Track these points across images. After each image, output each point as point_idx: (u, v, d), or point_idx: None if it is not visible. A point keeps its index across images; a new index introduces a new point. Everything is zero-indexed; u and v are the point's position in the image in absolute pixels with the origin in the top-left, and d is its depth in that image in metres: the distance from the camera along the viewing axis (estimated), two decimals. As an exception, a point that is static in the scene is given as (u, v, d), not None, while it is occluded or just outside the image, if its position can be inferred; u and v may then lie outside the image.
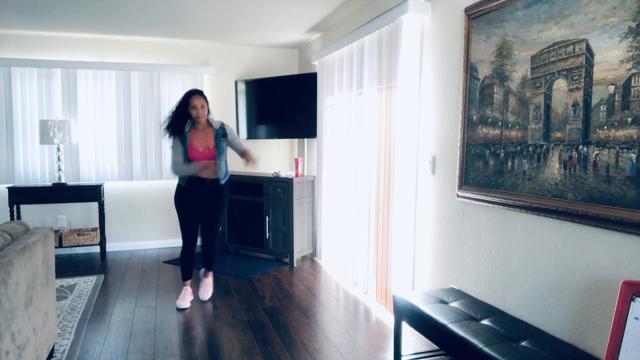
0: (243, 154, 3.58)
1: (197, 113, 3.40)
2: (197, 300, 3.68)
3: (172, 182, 5.44)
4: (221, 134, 3.51)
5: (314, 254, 5.00)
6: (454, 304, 2.42)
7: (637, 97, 1.67)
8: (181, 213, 3.56)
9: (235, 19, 4.34)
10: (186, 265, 3.65)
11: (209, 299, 3.70)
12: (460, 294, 2.56)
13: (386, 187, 3.41)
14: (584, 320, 1.93)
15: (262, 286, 4.04)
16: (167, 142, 5.33)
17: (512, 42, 2.26)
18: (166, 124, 3.47)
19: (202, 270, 3.80)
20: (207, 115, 3.49)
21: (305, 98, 4.92)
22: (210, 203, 3.55)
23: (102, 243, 5.00)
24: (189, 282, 3.68)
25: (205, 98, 3.46)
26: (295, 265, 4.69)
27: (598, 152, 1.82)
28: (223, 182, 3.55)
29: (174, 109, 3.47)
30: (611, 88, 1.77)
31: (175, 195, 3.58)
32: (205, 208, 3.56)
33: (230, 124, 5.64)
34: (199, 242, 4.04)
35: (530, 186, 2.17)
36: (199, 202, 3.53)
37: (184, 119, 3.44)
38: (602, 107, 1.81)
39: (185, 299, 3.57)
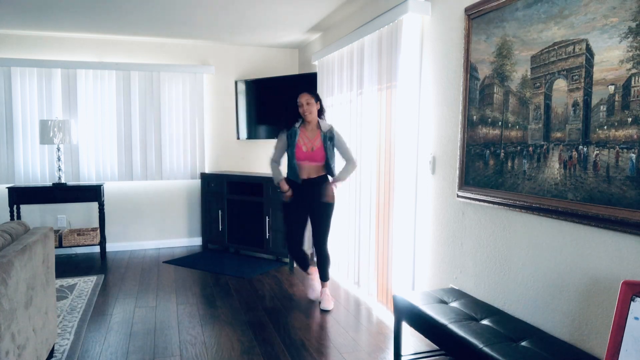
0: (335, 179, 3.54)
1: (303, 110, 3.44)
2: (197, 300, 3.67)
3: (173, 182, 5.46)
4: (328, 136, 3.48)
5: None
6: (454, 304, 2.42)
7: (637, 97, 1.67)
8: (289, 209, 3.56)
9: (235, 19, 4.34)
10: (300, 255, 3.63)
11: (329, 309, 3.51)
12: (460, 294, 2.56)
13: (386, 187, 3.41)
14: (584, 320, 1.93)
15: (262, 286, 4.04)
16: (168, 142, 5.35)
17: (512, 42, 2.26)
18: (280, 123, 3.60)
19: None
20: (319, 116, 3.50)
21: (305, 98, 4.91)
22: (317, 203, 3.52)
23: (102, 243, 5.00)
24: (311, 269, 3.68)
25: (314, 96, 3.48)
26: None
27: (598, 152, 1.82)
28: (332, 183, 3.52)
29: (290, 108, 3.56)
30: (611, 88, 1.77)
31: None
32: (312, 208, 3.54)
33: (231, 124, 5.66)
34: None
35: (530, 186, 2.17)
36: (306, 202, 3.53)
37: (294, 116, 3.51)
38: (602, 107, 1.81)
39: (316, 289, 3.62)
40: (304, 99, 3.45)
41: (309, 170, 3.49)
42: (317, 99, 3.50)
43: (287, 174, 3.55)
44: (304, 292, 3.87)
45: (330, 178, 3.55)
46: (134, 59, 5.24)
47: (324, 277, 3.62)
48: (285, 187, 3.50)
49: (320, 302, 3.55)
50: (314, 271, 3.70)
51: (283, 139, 3.54)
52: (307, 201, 3.52)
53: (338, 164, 3.62)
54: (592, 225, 1.86)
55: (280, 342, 2.92)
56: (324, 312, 3.44)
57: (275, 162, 3.61)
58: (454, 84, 2.75)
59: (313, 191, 3.49)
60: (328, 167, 3.53)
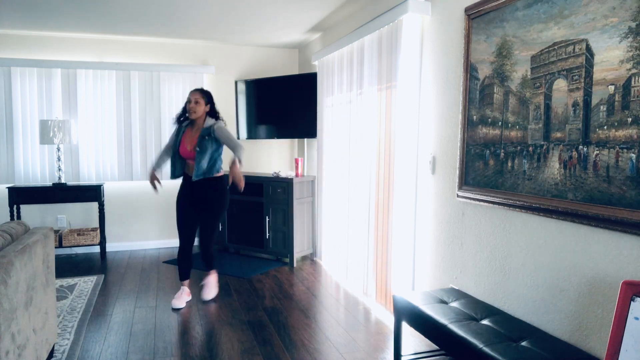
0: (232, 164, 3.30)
1: (189, 107, 3.44)
2: (197, 300, 3.68)
3: (173, 182, 5.44)
4: (205, 133, 3.43)
5: (314, 254, 5.00)
6: (454, 304, 2.42)
7: (637, 97, 1.67)
8: (177, 211, 3.61)
9: (235, 19, 4.34)
10: (183, 265, 3.62)
11: (212, 299, 3.68)
12: (460, 294, 2.56)
13: (386, 187, 3.41)
14: (584, 320, 1.93)
15: (262, 286, 4.04)
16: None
17: (512, 42, 2.26)
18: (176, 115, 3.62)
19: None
20: (207, 115, 3.49)
21: (305, 98, 4.92)
22: (203, 202, 3.52)
23: (102, 243, 5.00)
24: (186, 282, 3.66)
25: (205, 96, 3.47)
26: (295, 265, 4.69)
27: (598, 152, 1.82)
28: (203, 177, 3.43)
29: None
30: (611, 88, 1.77)
31: (179, 192, 3.65)
32: (199, 207, 3.54)
33: (230, 124, 5.65)
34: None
35: (530, 186, 2.17)
36: (193, 200, 3.53)
37: (184, 113, 3.54)
38: (602, 107, 1.81)
39: (181, 299, 3.56)
40: (194, 97, 3.43)
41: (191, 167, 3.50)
42: (208, 101, 3.49)
43: (171, 170, 3.56)
44: (304, 292, 3.87)
45: (198, 177, 3.44)
46: (134, 59, 5.24)
47: (210, 267, 3.73)
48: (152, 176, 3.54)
49: (203, 293, 3.69)
50: (187, 284, 3.69)
51: (173, 133, 3.60)
52: (194, 200, 3.54)
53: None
54: (592, 225, 1.86)
55: (280, 342, 2.92)
56: (205, 302, 3.61)
57: (161, 152, 3.65)
58: (454, 84, 2.75)
59: (199, 189, 3.50)
60: (211, 163, 3.45)
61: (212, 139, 3.43)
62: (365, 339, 3.00)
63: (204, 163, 3.42)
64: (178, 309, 3.50)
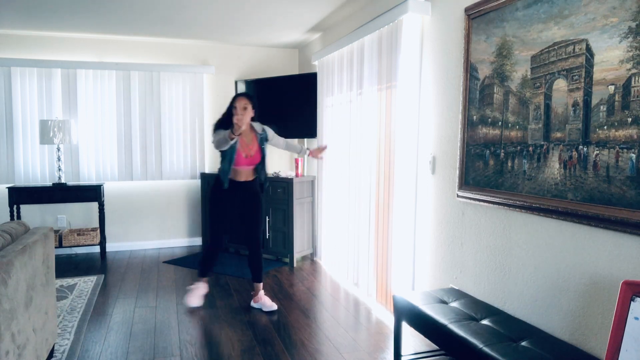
0: (301, 151, 3.76)
1: (237, 114, 3.19)
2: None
3: (173, 182, 5.46)
4: (265, 138, 3.45)
5: (314, 254, 5.00)
6: (454, 304, 2.42)
7: (637, 97, 1.67)
8: (216, 215, 3.46)
9: (235, 19, 4.34)
10: (210, 262, 3.55)
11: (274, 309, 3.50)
12: (460, 294, 2.56)
13: (386, 187, 3.41)
14: (584, 320, 1.93)
15: (262, 286, 4.04)
16: (168, 142, 5.35)
17: (512, 42, 2.26)
18: (215, 125, 3.39)
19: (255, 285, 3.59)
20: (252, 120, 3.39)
21: (305, 98, 4.92)
22: (253, 206, 3.48)
23: (102, 243, 5.00)
24: (206, 278, 3.62)
25: (250, 99, 3.34)
26: (295, 265, 4.69)
27: (598, 152, 1.82)
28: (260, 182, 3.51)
29: (224, 112, 3.40)
30: (611, 88, 1.77)
31: (213, 194, 3.47)
32: (248, 211, 3.49)
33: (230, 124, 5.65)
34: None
35: (530, 186, 2.17)
36: (242, 205, 3.48)
37: (228, 119, 3.27)
38: (602, 107, 1.81)
39: (199, 296, 3.54)
40: (242, 102, 3.27)
41: (247, 174, 3.43)
42: (254, 105, 3.35)
43: (221, 175, 3.38)
44: (304, 292, 3.87)
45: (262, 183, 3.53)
46: (134, 59, 5.24)
47: (258, 278, 3.54)
48: (239, 126, 3.05)
49: (261, 308, 3.48)
50: (204, 282, 3.62)
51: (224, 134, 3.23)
52: (239, 204, 3.47)
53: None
54: (592, 225, 1.86)
55: (280, 342, 2.92)
56: (270, 313, 3.40)
57: (219, 140, 3.26)
58: (454, 84, 2.75)
59: (247, 194, 3.46)
60: (262, 167, 3.48)
61: (264, 141, 3.47)
62: (366, 338, 3.00)
63: (265, 169, 3.52)
64: (194, 307, 3.48)
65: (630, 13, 1.69)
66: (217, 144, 3.27)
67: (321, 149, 3.75)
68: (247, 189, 3.46)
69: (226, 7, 3.95)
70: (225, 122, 3.30)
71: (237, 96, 3.36)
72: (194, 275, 4.34)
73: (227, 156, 3.34)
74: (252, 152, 3.40)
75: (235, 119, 3.06)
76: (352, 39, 3.78)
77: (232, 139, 3.13)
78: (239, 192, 3.43)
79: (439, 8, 2.88)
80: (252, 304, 3.55)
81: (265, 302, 3.49)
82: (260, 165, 3.48)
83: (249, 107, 3.30)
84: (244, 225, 3.55)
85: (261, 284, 3.57)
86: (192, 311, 3.46)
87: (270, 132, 3.54)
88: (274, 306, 3.47)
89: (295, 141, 3.58)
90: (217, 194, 3.45)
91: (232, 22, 4.46)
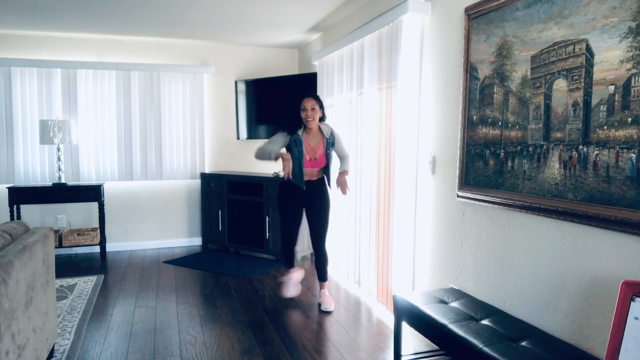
0: (340, 176, 3.50)
1: (305, 115, 3.31)
2: (200, 300, 3.67)
3: (173, 182, 5.46)
4: (331, 142, 3.44)
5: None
6: (454, 304, 2.42)
7: (637, 97, 1.67)
8: (288, 216, 3.52)
9: (235, 19, 4.34)
10: (290, 254, 3.60)
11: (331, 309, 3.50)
12: (460, 294, 2.56)
13: (386, 187, 3.41)
14: (584, 320, 1.93)
15: (262, 286, 4.04)
16: (168, 142, 5.35)
17: (512, 42, 2.26)
18: (282, 124, 3.45)
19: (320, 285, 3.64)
20: (320, 120, 3.41)
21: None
22: (321, 205, 3.51)
23: (102, 243, 5.00)
24: (295, 267, 3.65)
25: (319, 102, 3.36)
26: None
27: (598, 152, 1.82)
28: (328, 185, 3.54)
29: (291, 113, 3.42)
30: (611, 88, 1.77)
31: (283, 193, 3.49)
32: (316, 210, 3.51)
33: (231, 124, 5.66)
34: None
35: (530, 186, 2.17)
36: (309, 205, 3.51)
37: (298, 121, 3.36)
38: (602, 107, 1.81)
39: (295, 284, 3.59)
40: (310, 104, 3.31)
41: (311, 174, 3.46)
42: (322, 105, 3.41)
43: (294, 179, 3.40)
44: (304, 292, 3.86)
45: (326, 178, 3.56)
46: (134, 59, 5.24)
47: (323, 277, 3.60)
48: (287, 157, 3.28)
49: (320, 304, 3.53)
50: (296, 271, 3.68)
51: (285, 139, 3.39)
52: (306, 203, 3.51)
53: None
54: (592, 225, 1.86)
55: (280, 342, 2.92)
56: (326, 313, 3.43)
57: (265, 149, 3.37)
58: (454, 84, 2.75)
59: (314, 193, 3.48)
60: (326, 168, 3.53)
61: (331, 146, 3.46)
62: (366, 338, 3.00)
63: (329, 171, 3.51)
64: (291, 298, 3.57)
65: (630, 13, 1.69)
66: (260, 154, 3.37)
67: (344, 184, 3.51)
68: (313, 188, 3.47)
69: (226, 7, 3.94)
70: (292, 124, 3.38)
71: (305, 97, 3.37)
72: (194, 275, 4.35)
73: (296, 160, 3.36)
74: (317, 155, 3.41)
75: (304, 115, 3.29)
76: (352, 39, 3.78)
77: (275, 159, 3.28)
78: (305, 191, 3.45)
79: (439, 8, 2.88)
80: (318, 299, 3.63)
81: (323, 300, 3.52)
82: (325, 168, 3.50)
83: (317, 107, 3.33)
84: (310, 225, 3.58)
85: (325, 283, 3.60)
86: (192, 311, 3.46)
87: (337, 137, 3.52)
88: (329, 308, 3.46)
89: (349, 160, 3.60)
90: (283, 194, 3.51)
91: (232, 22, 4.46)
